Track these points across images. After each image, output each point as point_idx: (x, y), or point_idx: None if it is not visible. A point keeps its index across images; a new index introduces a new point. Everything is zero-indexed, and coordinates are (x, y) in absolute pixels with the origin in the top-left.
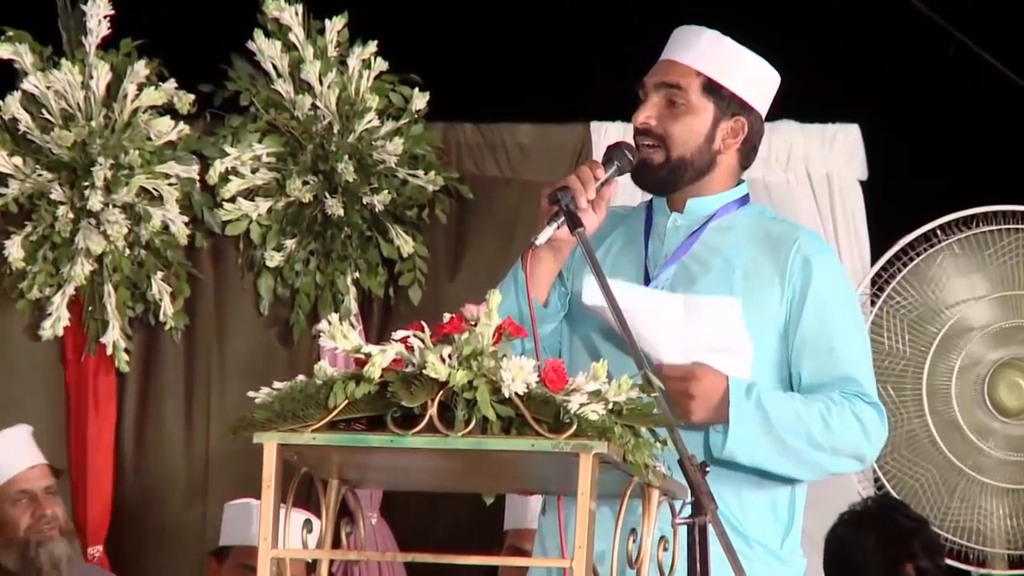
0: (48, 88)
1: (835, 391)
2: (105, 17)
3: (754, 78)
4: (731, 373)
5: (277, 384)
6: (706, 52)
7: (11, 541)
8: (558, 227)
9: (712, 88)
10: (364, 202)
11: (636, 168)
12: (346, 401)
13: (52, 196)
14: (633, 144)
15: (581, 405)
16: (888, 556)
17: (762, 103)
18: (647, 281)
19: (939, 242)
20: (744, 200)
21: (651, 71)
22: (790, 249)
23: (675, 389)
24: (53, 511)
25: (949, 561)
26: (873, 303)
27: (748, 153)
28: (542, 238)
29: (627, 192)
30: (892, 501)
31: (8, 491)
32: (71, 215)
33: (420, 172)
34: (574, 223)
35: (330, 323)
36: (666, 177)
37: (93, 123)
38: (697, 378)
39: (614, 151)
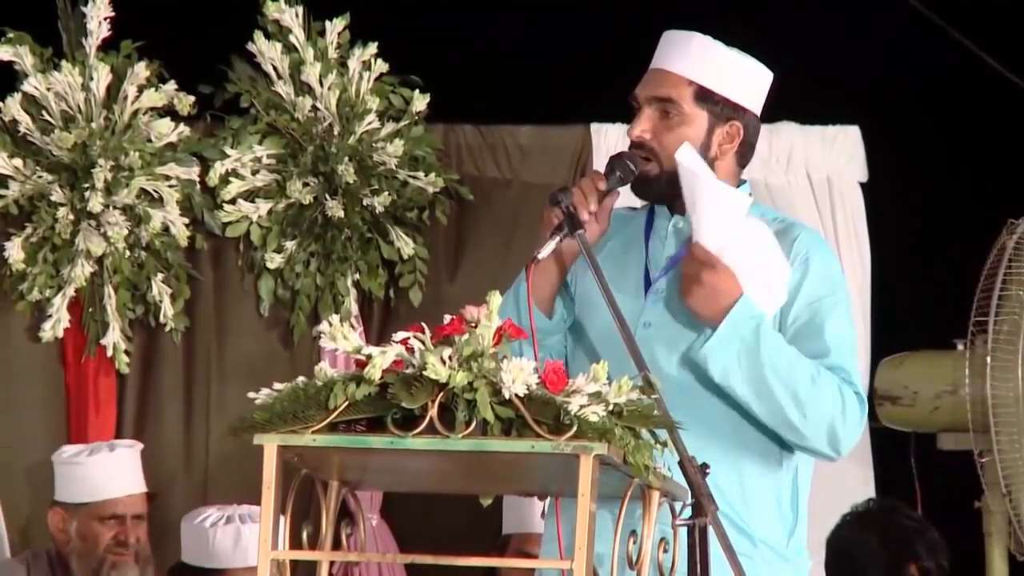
0: (48, 90)
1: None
2: (105, 19)
3: (746, 80)
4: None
5: (277, 385)
6: (696, 59)
7: (89, 555)
8: (560, 240)
9: (704, 96)
10: (364, 204)
11: (635, 182)
12: (346, 402)
13: (52, 198)
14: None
15: (581, 407)
16: (891, 557)
17: (756, 103)
18: (648, 283)
19: None
20: None
21: (642, 82)
22: (790, 246)
23: (691, 270)
24: (136, 537)
25: None
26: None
27: (746, 153)
28: (545, 252)
29: (626, 192)
30: (893, 502)
31: (101, 510)
32: (71, 217)
33: (420, 174)
34: (575, 224)
35: (331, 324)
36: (665, 188)
37: (93, 125)
38: (715, 269)
39: (615, 162)
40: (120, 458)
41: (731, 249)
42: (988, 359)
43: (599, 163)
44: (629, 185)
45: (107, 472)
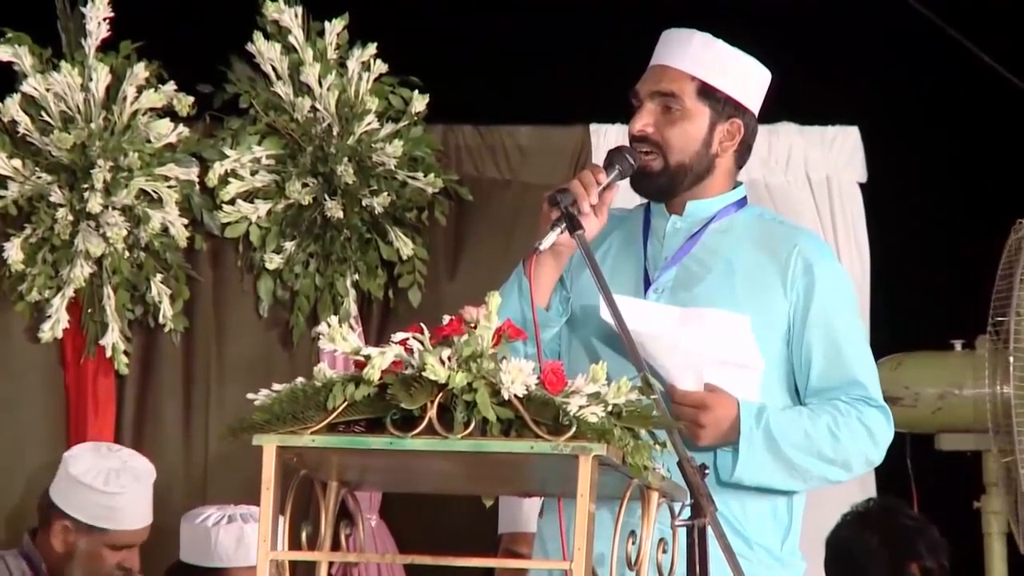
0: (47, 90)
1: (841, 395)
2: (104, 19)
3: (747, 79)
4: (743, 389)
5: (276, 386)
6: (699, 56)
7: (93, 574)
8: (561, 232)
9: (707, 92)
10: (363, 204)
11: (635, 176)
12: (345, 403)
13: (51, 198)
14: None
15: (580, 407)
16: (892, 556)
17: (755, 102)
18: (647, 284)
19: None
20: (742, 202)
21: (643, 78)
22: (791, 253)
23: (685, 416)
24: (132, 564)
25: None
26: None
27: (744, 153)
28: (546, 243)
29: (626, 192)
30: (893, 501)
31: (117, 538)
32: (70, 217)
33: (419, 174)
34: (574, 225)
35: (329, 325)
36: (665, 184)
37: (92, 125)
38: (708, 407)
39: (615, 155)
40: (148, 490)
41: (701, 371)
42: (1011, 359)
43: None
44: (628, 180)
45: (138, 504)
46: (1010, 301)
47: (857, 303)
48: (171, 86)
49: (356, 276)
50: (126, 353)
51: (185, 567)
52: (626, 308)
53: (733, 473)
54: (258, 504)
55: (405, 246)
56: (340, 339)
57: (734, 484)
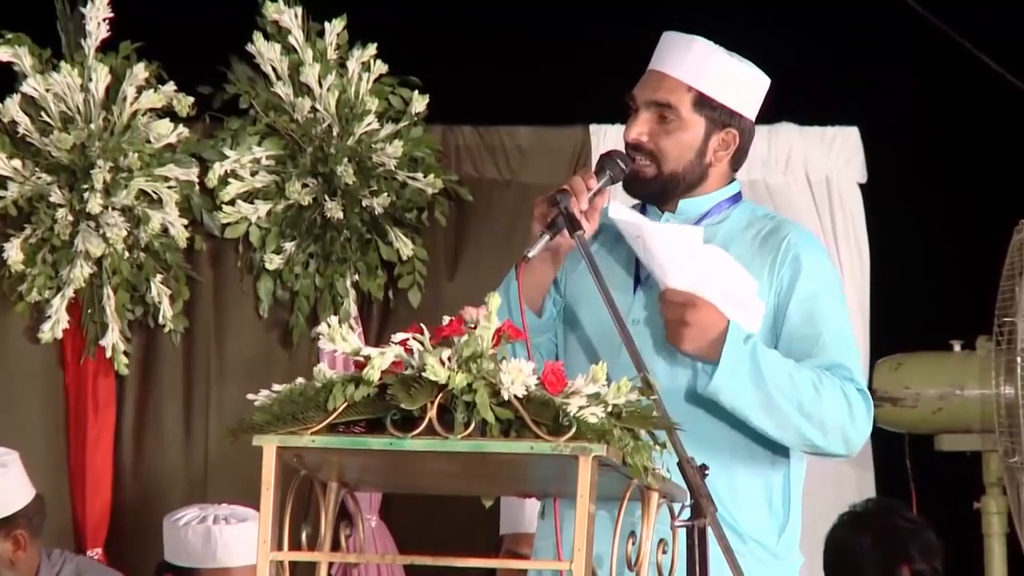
0: (47, 91)
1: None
2: (104, 19)
3: (744, 87)
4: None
5: (276, 387)
6: (697, 65)
7: None
8: (551, 238)
9: (703, 102)
10: (363, 205)
11: (628, 179)
12: (345, 404)
13: (51, 199)
14: (625, 153)
15: (580, 408)
16: (885, 558)
17: (753, 110)
18: (637, 281)
19: None
20: (736, 198)
21: (640, 83)
22: (780, 243)
23: (672, 314)
24: None
25: None
26: None
27: (739, 158)
28: (534, 250)
29: (623, 194)
30: (891, 502)
31: None
32: (70, 218)
33: (419, 175)
34: (574, 226)
35: (329, 326)
36: (657, 191)
37: (92, 126)
38: (696, 307)
39: (606, 161)
40: None
41: (701, 281)
42: (1019, 359)
43: None
44: (621, 184)
45: None
46: (1014, 302)
47: (844, 296)
48: (171, 86)
49: (356, 276)
50: (126, 354)
51: (166, 565)
52: (644, 220)
53: (710, 382)
54: (258, 505)
55: (405, 246)
56: (340, 339)
57: (708, 405)
